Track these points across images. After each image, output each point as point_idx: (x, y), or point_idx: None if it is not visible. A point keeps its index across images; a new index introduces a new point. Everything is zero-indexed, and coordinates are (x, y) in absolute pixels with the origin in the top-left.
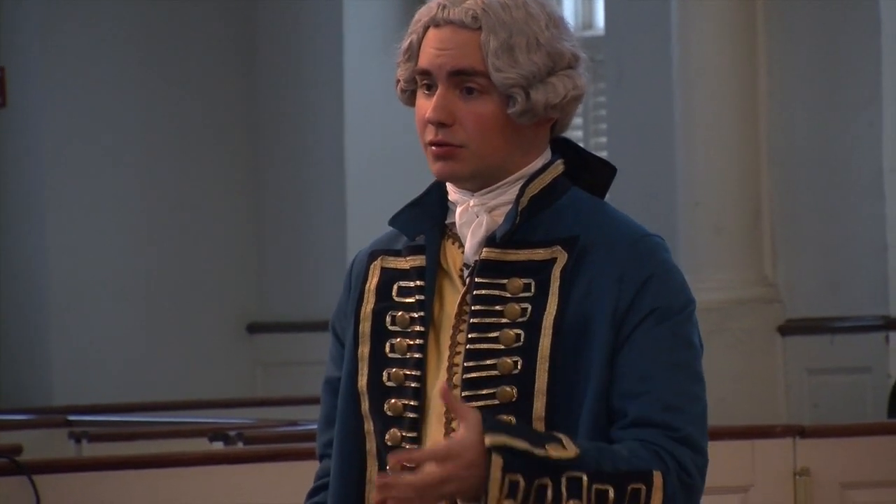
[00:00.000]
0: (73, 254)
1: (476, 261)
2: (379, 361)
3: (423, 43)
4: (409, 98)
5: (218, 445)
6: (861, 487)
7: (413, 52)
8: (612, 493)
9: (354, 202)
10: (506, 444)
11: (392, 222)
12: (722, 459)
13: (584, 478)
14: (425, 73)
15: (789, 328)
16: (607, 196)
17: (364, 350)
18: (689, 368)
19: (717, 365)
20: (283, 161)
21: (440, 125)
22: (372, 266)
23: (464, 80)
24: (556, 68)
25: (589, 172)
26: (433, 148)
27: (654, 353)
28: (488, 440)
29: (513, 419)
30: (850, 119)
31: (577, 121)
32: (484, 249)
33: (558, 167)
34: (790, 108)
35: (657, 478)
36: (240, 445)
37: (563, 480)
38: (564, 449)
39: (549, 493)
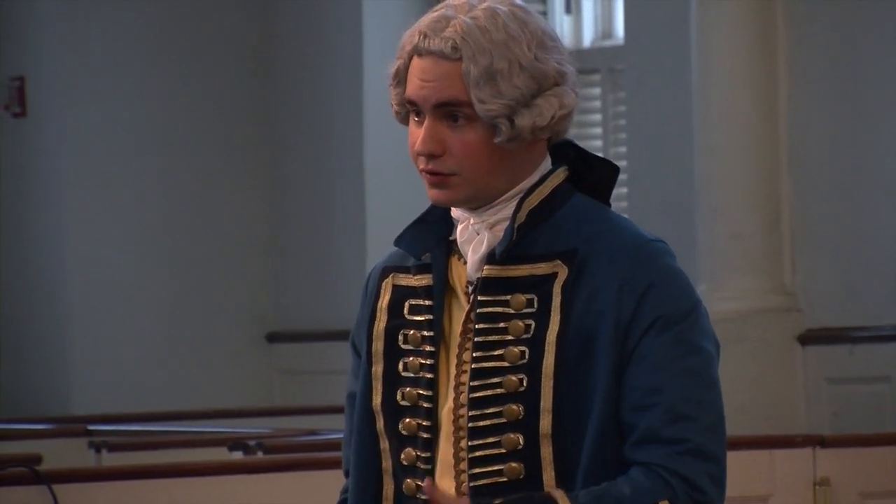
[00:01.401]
0: (93, 263)
1: (478, 278)
2: (393, 380)
3: (409, 71)
4: (404, 119)
5: (237, 455)
6: (881, 497)
7: (401, 78)
8: None
9: (374, 210)
10: None
11: (397, 242)
12: (741, 469)
13: None
14: (412, 103)
15: (809, 338)
16: (626, 202)
17: (377, 369)
18: (699, 374)
19: (736, 374)
20: (302, 169)
21: (430, 156)
22: (384, 283)
23: (450, 110)
24: (541, 89)
25: (593, 174)
26: (427, 175)
27: (660, 363)
28: None
29: (521, 437)
30: (870, 126)
31: (597, 130)
32: (485, 267)
33: (559, 175)
34: (810, 115)
35: None
36: (259, 455)
37: None
38: None
39: None
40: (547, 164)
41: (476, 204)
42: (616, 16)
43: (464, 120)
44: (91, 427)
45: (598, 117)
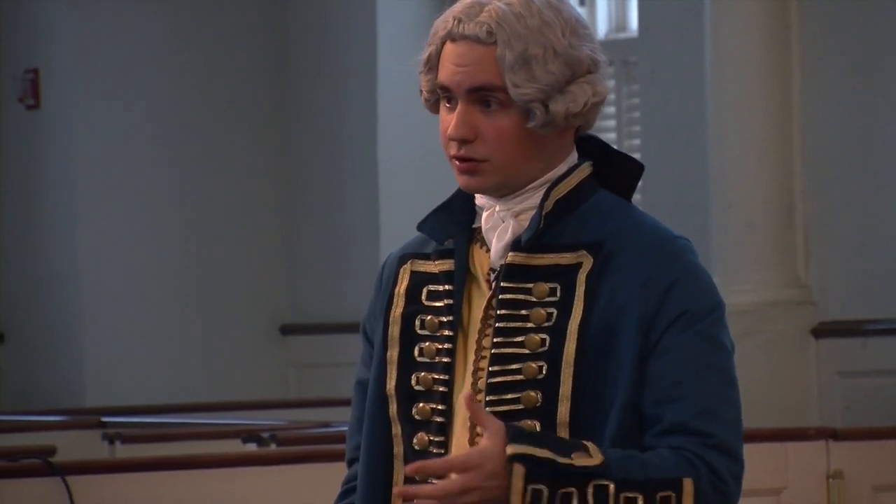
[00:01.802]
0: (106, 255)
1: (502, 265)
2: (408, 365)
3: (442, 56)
4: (434, 106)
5: (251, 447)
6: (894, 490)
7: (433, 64)
8: (640, 502)
9: (387, 203)
10: (528, 453)
11: (420, 227)
12: (755, 462)
13: (612, 486)
14: (445, 89)
15: (822, 331)
16: (640, 195)
17: (393, 353)
18: (722, 371)
19: (749, 367)
20: (316, 162)
21: (462, 141)
22: (402, 270)
23: (483, 95)
24: (574, 76)
25: (616, 170)
26: (457, 162)
27: (685, 357)
28: (510, 449)
29: (537, 424)
30: (884, 118)
31: (610, 122)
32: (509, 254)
33: (585, 169)
34: (824, 107)
35: (687, 485)
36: (273, 447)
37: (590, 489)
38: (590, 457)
39: (575, 501)
40: (574, 156)
41: (504, 191)
42: (630, 8)
43: (497, 105)
44: (105, 419)
45: (611, 110)
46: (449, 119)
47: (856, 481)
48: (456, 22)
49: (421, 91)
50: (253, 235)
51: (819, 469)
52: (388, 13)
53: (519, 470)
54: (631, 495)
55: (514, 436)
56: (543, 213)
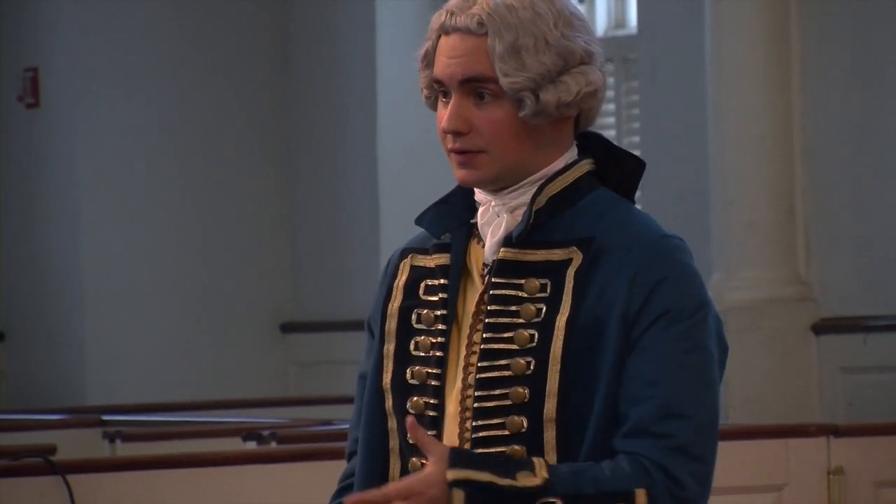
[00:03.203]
0: (107, 254)
1: (493, 260)
2: (403, 359)
3: (437, 50)
4: (434, 104)
5: (251, 445)
6: (895, 486)
7: (429, 60)
8: None
9: (387, 201)
10: (468, 478)
11: (418, 221)
12: (756, 459)
13: (559, 503)
14: (439, 82)
15: (823, 327)
16: (640, 192)
17: (389, 347)
18: (699, 373)
19: (750, 364)
20: (317, 160)
21: (457, 134)
22: (402, 263)
23: (476, 86)
24: (567, 66)
25: (618, 168)
26: (455, 155)
27: (661, 356)
28: (450, 475)
29: (525, 421)
30: (884, 115)
31: (610, 119)
32: (501, 249)
33: (583, 167)
34: (824, 104)
35: (640, 496)
36: (273, 445)
37: None
38: (534, 476)
39: None
40: (573, 153)
41: (501, 185)
42: (629, 5)
43: (490, 97)
44: (105, 417)
45: (611, 107)
46: (444, 113)
47: (857, 477)
48: (449, 15)
49: (422, 89)
50: (254, 233)
51: (820, 465)
52: (388, 10)
53: (458, 495)
54: None
55: (455, 460)
56: (536, 209)
